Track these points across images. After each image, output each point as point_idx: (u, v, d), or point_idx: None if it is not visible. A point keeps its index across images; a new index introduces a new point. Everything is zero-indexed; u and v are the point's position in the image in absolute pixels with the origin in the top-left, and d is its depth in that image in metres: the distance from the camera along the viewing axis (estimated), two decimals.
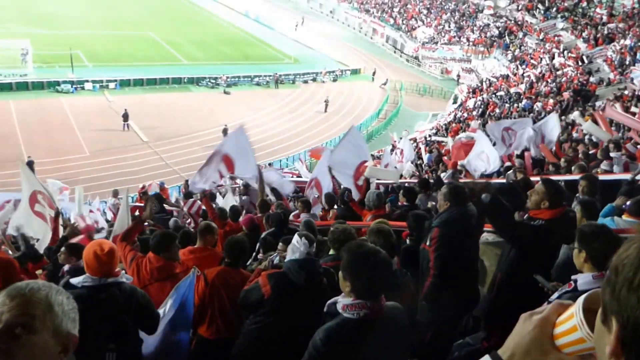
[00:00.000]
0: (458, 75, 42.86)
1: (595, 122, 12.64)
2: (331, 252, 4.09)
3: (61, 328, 1.33)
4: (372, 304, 2.35)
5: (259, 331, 3.42)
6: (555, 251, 3.97)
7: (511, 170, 8.92)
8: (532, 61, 33.89)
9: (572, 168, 7.98)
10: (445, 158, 14.64)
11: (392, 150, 16.00)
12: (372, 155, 18.68)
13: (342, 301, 2.41)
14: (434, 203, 7.05)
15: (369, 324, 2.36)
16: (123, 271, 3.25)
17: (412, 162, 14.84)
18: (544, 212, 3.82)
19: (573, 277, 2.80)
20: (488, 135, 11.05)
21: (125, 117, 27.72)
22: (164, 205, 10.89)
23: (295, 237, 3.45)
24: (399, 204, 6.75)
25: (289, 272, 3.36)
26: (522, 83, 29.78)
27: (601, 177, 6.52)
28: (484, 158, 10.01)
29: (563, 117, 19.67)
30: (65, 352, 1.35)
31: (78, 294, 2.86)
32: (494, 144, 10.61)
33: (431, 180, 8.63)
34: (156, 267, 4.19)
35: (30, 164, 20.55)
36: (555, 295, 2.85)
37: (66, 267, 4.74)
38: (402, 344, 2.59)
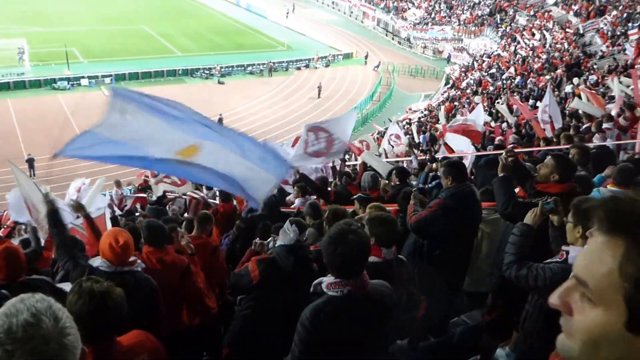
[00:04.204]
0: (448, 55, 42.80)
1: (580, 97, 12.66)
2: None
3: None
4: (354, 282, 2.36)
5: (249, 316, 3.45)
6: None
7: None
8: (524, 34, 33.68)
9: (560, 137, 7.92)
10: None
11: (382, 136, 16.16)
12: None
13: (326, 280, 2.44)
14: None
15: (354, 300, 2.38)
16: (139, 260, 3.27)
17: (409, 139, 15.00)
18: (553, 186, 3.66)
19: (564, 247, 2.78)
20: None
21: None
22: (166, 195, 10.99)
23: (287, 223, 3.45)
24: (392, 184, 6.67)
25: (278, 257, 3.36)
26: (513, 61, 29.75)
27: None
28: None
29: (557, 92, 19.73)
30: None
31: (99, 274, 2.98)
32: None
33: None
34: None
35: (30, 162, 21.07)
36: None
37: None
38: (390, 321, 2.59)
